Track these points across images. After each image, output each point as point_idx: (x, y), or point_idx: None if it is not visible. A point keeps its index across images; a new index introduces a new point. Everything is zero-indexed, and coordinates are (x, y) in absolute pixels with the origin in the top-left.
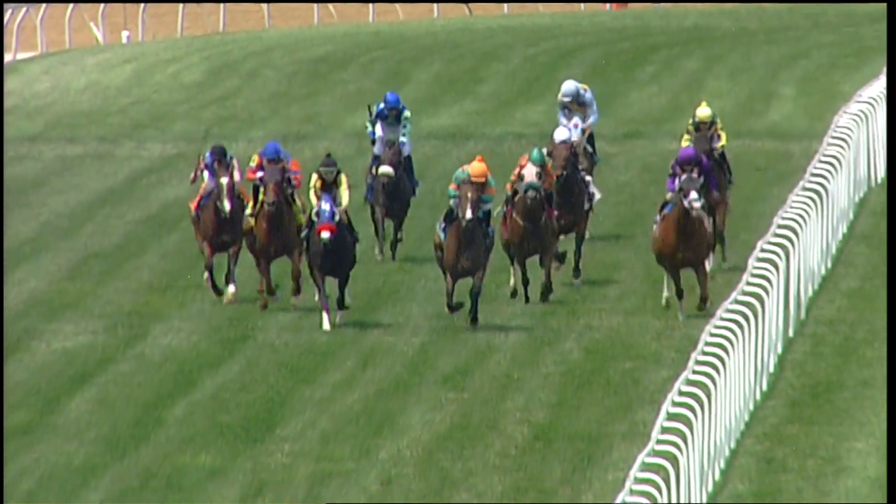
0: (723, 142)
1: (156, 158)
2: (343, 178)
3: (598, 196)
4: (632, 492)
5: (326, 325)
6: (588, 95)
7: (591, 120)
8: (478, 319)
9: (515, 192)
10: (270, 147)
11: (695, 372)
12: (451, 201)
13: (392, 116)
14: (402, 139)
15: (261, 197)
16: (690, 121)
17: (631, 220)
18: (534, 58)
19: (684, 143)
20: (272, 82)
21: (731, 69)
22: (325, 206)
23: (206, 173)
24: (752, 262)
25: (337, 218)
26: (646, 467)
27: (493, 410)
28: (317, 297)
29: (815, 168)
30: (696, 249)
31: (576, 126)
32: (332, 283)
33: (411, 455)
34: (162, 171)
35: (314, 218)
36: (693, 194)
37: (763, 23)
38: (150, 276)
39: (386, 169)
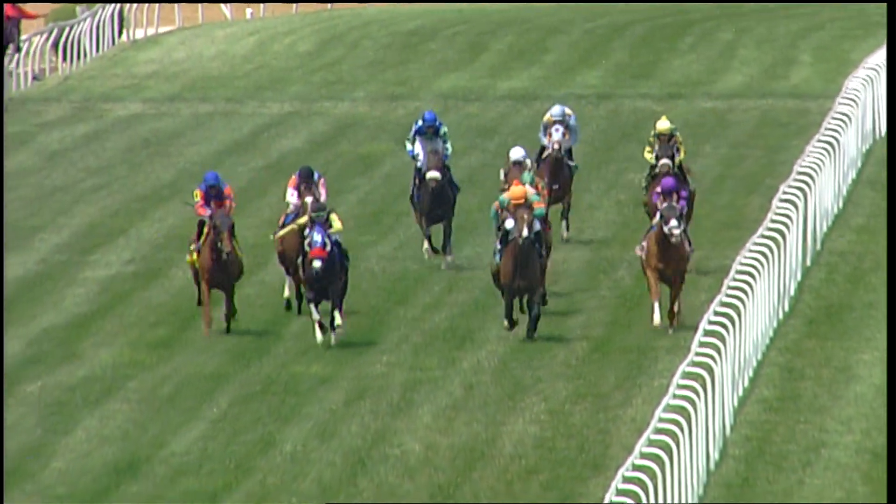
0: (681, 155)
1: (274, 115)
2: (334, 216)
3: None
4: (674, 396)
5: (320, 338)
6: (572, 120)
7: (571, 142)
8: (535, 332)
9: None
10: (210, 175)
11: (727, 295)
12: (495, 222)
13: (430, 133)
14: (446, 150)
15: (204, 231)
16: (652, 133)
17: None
18: (591, 31)
19: (647, 155)
20: (371, 51)
21: (758, 39)
22: (317, 236)
23: (291, 192)
24: (775, 202)
25: (328, 248)
26: (686, 376)
27: (557, 327)
28: (314, 315)
29: (829, 123)
30: (675, 266)
31: (557, 130)
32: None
33: (489, 364)
34: (280, 126)
35: (307, 248)
36: (673, 222)
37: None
38: (270, 213)
39: (433, 174)
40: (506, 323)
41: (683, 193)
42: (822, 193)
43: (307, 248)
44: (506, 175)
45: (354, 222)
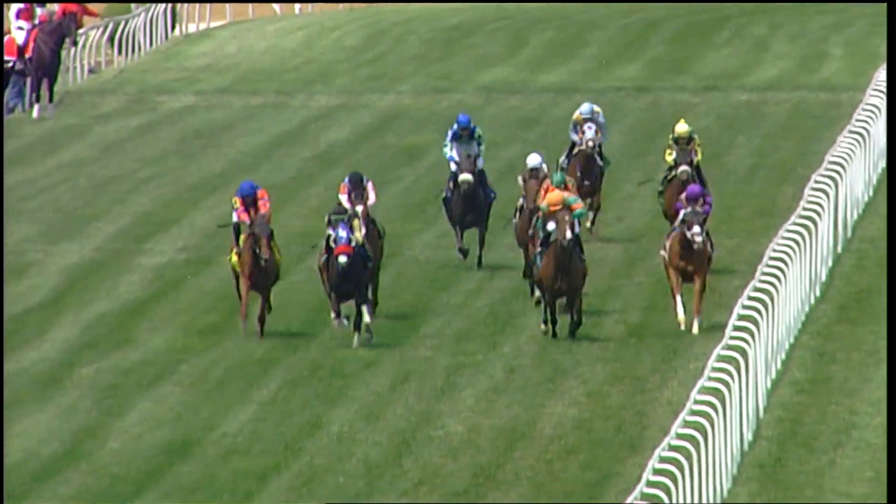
0: (699, 157)
1: (322, 108)
2: (357, 221)
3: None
4: (709, 378)
5: (356, 343)
6: (601, 118)
7: (601, 138)
8: (575, 333)
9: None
10: (246, 185)
11: (761, 281)
12: (541, 232)
13: (465, 136)
14: (478, 154)
15: (242, 237)
16: (671, 136)
17: (707, 158)
18: (628, 26)
19: (667, 157)
20: (414, 46)
21: (790, 34)
22: (343, 232)
23: (344, 198)
24: (807, 191)
25: (353, 243)
26: (720, 359)
27: (595, 313)
28: (334, 323)
29: (859, 115)
30: (696, 263)
31: (589, 128)
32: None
33: (529, 349)
34: (327, 118)
35: (332, 244)
36: (696, 227)
37: None
38: (317, 203)
39: (466, 176)
40: (543, 326)
41: (708, 199)
42: (853, 182)
43: (332, 246)
44: (524, 181)
45: (399, 212)
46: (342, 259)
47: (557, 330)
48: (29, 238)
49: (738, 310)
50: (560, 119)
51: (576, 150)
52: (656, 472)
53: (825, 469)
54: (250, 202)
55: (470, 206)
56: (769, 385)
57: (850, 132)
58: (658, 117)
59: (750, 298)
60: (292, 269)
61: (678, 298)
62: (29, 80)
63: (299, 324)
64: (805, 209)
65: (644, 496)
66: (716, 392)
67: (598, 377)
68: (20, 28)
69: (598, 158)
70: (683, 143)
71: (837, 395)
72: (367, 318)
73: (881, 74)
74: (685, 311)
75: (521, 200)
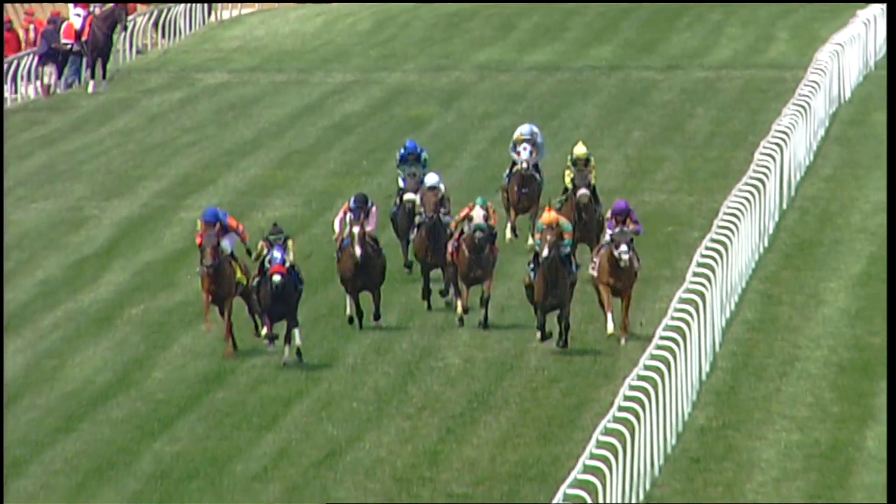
0: (593, 180)
1: (338, 84)
2: (290, 242)
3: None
4: (672, 318)
5: (286, 357)
6: (539, 139)
7: (538, 157)
8: (567, 344)
9: (462, 232)
10: (209, 211)
11: (716, 233)
12: (536, 246)
13: (411, 159)
14: (424, 173)
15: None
16: (569, 157)
17: (671, 127)
18: (604, 13)
19: (566, 179)
20: (419, 30)
21: (742, 20)
22: (277, 253)
23: (349, 216)
24: (757, 155)
25: (287, 264)
26: (682, 301)
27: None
28: (263, 331)
29: (802, 90)
30: (625, 280)
31: (525, 149)
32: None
33: (517, 292)
34: (343, 92)
35: (266, 264)
36: (623, 247)
37: None
38: (334, 165)
39: (410, 196)
40: (538, 335)
41: (634, 216)
42: (796, 148)
43: (267, 266)
44: (422, 195)
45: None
46: (276, 279)
47: (549, 333)
48: (85, 196)
49: (697, 258)
50: (544, 94)
51: (515, 168)
52: (627, 398)
53: (772, 395)
54: (211, 225)
55: (413, 223)
56: (724, 323)
57: (794, 105)
58: (628, 92)
59: (707, 248)
60: (313, 223)
61: (609, 315)
62: (85, 60)
63: (319, 270)
64: (755, 171)
65: (616, 419)
66: (678, 329)
67: (577, 316)
68: (77, 15)
69: (535, 176)
70: (582, 164)
71: (783, 332)
72: (297, 340)
73: (821, 55)
74: (615, 326)
75: (419, 217)
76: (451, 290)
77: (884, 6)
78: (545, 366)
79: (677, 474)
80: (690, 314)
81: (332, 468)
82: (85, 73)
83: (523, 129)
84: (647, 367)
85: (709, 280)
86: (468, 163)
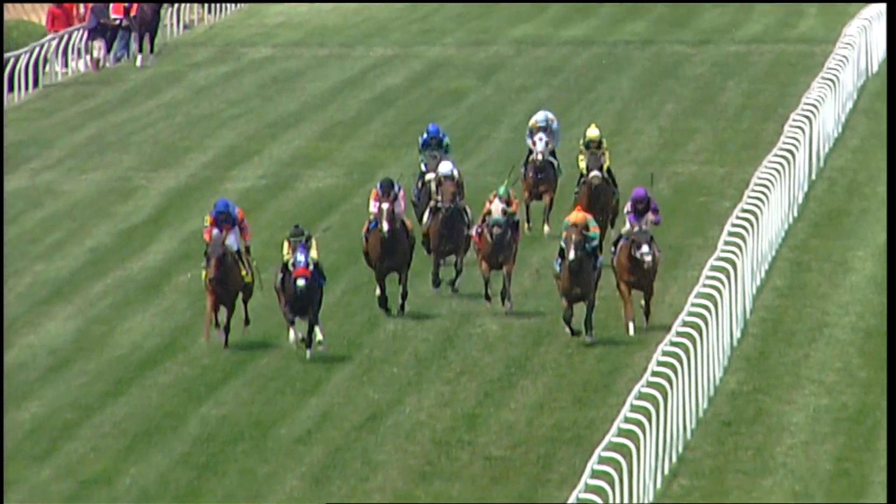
0: (608, 162)
1: (379, 58)
2: (312, 241)
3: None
4: (704, 285)
5: (309, 355)
6: (555, 125)
7: (554, 144)
8: (592, 334)
9: (485, 220)
10: (220, 203)
11: (747, 203)
12: (563, 243)
13: (434, 144)
14: (446, 158)
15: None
16: (581, 140)
17: (703, 99)
18: None
19: (580, 162)
20: (457, 6)
21: None
22: (301, 256)
23: (372, 203)
24: (787, 127)
25: (311, 266)
26: (713, 269)
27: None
28: (290, 337)
29: (831, 63)
30: (646, 276)
31: (540, 140)
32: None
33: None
34: (383, 66)
35: (290, 268)
36: (644, 248)
37: None
38: (374, 138)
39: (431, 175)
40: (567, 329)
41: (654, 205)
42: (825, 121)
43: (291, 269)
44: (438, 184)
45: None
46: (300, 283)
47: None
48: (133, 167)
49: (728, 227)
50: (579, 67)
51: (531, 158)
52: (660, 363)
53: (801, 360)
54: (223, 219)
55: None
56: (754, 291)
57: (823, 78)
58: (661, 66)
59: (738, 218)
60: (355, 193)
61: (630, 322)
62: (134, 35)
63: (360, 240)
64: (785, 143)
65: (650, 384)
66: (709, 297)
67: (611, 285)
68: None
69: (552, 162)
70: (594, 146)
71: (812, 299)
72: (318, 335)
73: (849, 30)
74: (635, 328)
75: (434, 202)
76: (459, 280)
77: (883, 6)
78: (580, 333)
79: (709, 437)
80: (722, 282)
81: (374, 431)
82: (133, 48)
83: (538, 117)
84: (679, 334)
85: (740, 248)
86: (505, 134)
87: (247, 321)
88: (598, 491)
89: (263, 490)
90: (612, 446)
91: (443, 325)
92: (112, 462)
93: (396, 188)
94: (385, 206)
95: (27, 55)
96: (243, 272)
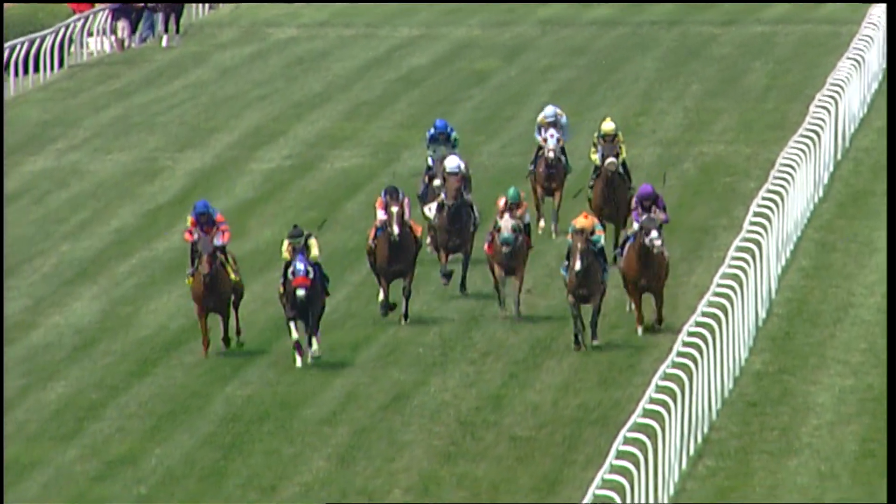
0: (623, 155)
1: (405, 38)
2: (312, 240)
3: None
4: (729, 265)
5: (299, 362)
6: (563, 120)
7: (564, 139)
8: (597, 336)
9: (496, 224)
10: (200, 204)
11: (773, 183)
12: (569, 248)
13: (441, 139)
14: (454, 152)
15: (197, 263)
16: (596, 134)
17: (728, 80)
18: None
19: (592, 155)
20: None
21: None
22: (300, 265)
23: (379, 211)
24: (812, 107)
25: (311, 275)
26: (739, 249)
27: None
28: (291, 341)
29: (856, 44)
30: (655, 277)
31: (552, 136)
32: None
33: None
34: (409, 46)
35: (290, 276)
36: (653, 233)
37: None
38: (400, 117)
39: (438, 182)
40: (574, 339)
41: (661, 203)
42: (850, 101)
43: (290, 277)
44: (444, 179)
45: (469, 126)
46: (300, 293)
47: (581, 331)
48: (159, 147)
49: (753, 208)
50: (604, 48)
51: (541, 152)
52: (685, 344)
53: (826, 341)
54: (204, 221)
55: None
56: (780, 271)
57: (848, 58)
58: (686, 46)
59: (764, 198)
60: (380, 172)
61: (640, 326)
62: (159, 16)
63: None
64: (810, 123)
65: (675, 364)
66: (735, 277)
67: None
68: None
69: (561, 159)
70: (609, 139)
71: (837, 279)
72: (315, 345)
73: (874, 10)
74: (643, 321)
75: (441, 197)
76: (464, 276)
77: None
78: (605, 313)
79: (734, 418)
80: (747, 262)
81: (399, 412)
82: (159, 28)
83: (547, 112)
84: (704, 314)
85: (765, 229)
86: (530, 115)
87: (238, 330)
88: (624, 472)
89: (289, 470)
90: (638, 427)
91: (467, 306)
92: (138, 442)
93: (401, 194)
94: (394, 209)
95: (52, 36)
96: (231, 273)
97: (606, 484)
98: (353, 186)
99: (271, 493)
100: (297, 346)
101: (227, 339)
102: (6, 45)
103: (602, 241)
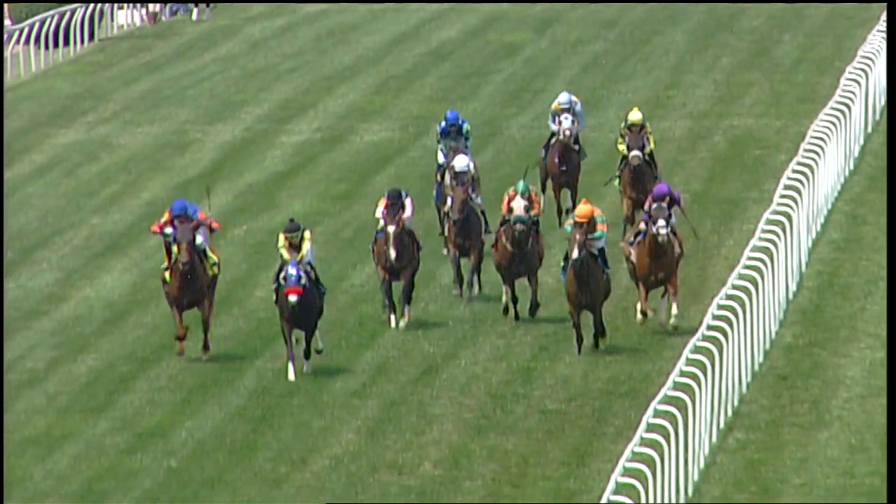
0: (651, 145)
1: (434, 10)
2: (306, 234)
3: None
4: (760, 238)
5: (291, 376)
6: (579, 107)
7: (579, 126)
8: (600, 345)
9: (505, 221)
10: (177, 204)
11: (803, 156)
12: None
13: (453, 132)
14: (467, 147)
15: (174, 253)
16: (623, 124)
17: (758, 52)
18: None
19: (619, 146)
20: None
21: None
22: (292, 271)
23: (379, 211)
24: (843, 80)
25: (303, 281)
26: (769, 222)
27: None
28: (285, 349)
29: (886, 16)
30: (666, 269)
31: (567, 118)
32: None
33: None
34: (439, 19)
35: (282, 281)
36: (661, 221)
37: None
38: (429, 91)
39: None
40: (576, 346)
41: (676, 195)
42: (880, 73)
43: (282, 283)
44: (451, 182)
45: (499, 98)
46: (292, 299)
47: (583, 339)
48: (189, 120)
49: (784, 180)
50: (635, 21)
51: (554, 139)
52: (715, 317)
53: (857, 314)
54: (181, 222)
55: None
56: (810, 244)
57: (878, 31)
58: (716, 18)
59: (794, 171)
60: (410, 146)
61: (648, 312)
62: None
63: (415, 193)
64: (841, 96)
65: (705, 338)
66: (765, 250)
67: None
68: None
69: (575, 148)
70: (636, 130)
71: (868, 252)
72: (319, 344)
73: None
74: (643, 318)
75: (448, 203)
76: (476, 286)
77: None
78: (631, 287)
79: (765, 391)
80: (778, 235)
81: (429, 385)
82: (189, 1)
83: (562, 99)
84: (735, 287)
85: (795, 202)
86: (560, 87)
87: (206, 346)
88: (654, 444)
89: (318, 443)
90: (668, 400)
91: (498, 280)
92: (168, 415)
93: (404, 196)
94: (391, 229)
95: (83, 9)
96: (208, 269)
97: (636, 457)
98: (382, 160)
99: (301, 466)
100: (292, 357)
101: (207, 345)
102: (37, 17)
103: (604, 237)
